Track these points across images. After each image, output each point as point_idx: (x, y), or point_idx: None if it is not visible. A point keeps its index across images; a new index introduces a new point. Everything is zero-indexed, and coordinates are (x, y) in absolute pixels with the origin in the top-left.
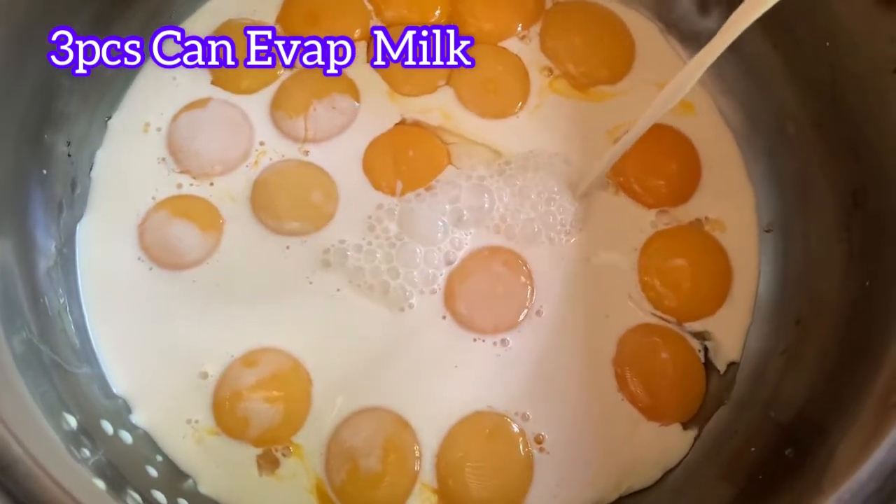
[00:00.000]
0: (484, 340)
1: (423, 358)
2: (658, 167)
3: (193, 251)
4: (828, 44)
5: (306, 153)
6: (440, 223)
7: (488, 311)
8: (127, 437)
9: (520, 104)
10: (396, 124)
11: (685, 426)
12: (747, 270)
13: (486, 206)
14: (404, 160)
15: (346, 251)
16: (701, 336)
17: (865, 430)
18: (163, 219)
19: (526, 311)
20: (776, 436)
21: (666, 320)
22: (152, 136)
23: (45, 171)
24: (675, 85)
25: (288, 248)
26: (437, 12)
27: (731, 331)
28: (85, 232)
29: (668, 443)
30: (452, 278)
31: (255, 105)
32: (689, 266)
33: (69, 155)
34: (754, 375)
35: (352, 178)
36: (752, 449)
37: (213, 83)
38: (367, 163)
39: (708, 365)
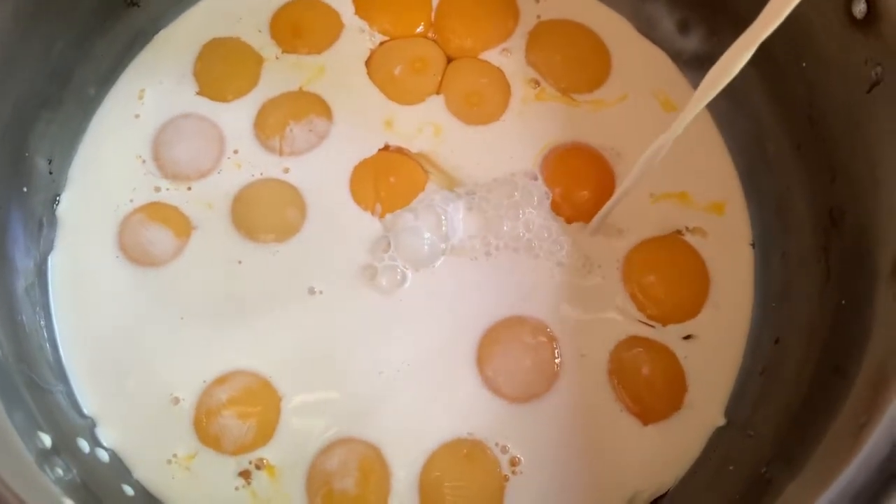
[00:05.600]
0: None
1: (404, 384)
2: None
3: (166, 255)
4: (804, 64)
5: (286, 170)
6: (425, 239)
7: (520, 382)
8: (104, 455)
9: (501, 115)
10: (380, 150)
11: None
12: (733, 275)
13: (461, 232)
14: (385, 185)
15: (322, 265)
16: (687, 338)
17: (837, 450)
18: (139, 222)
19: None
20: (753, 455)
21: (651, 325)
22: (132, 140)
23: (25, 189)
24: (688, 111)
25: (263, 258)
26: (420, 28)
27: (720, 333)
28: (61, 240)
29: (666, 459)
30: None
31: (238, 114)
32: (667, 273)
33: (50, 172)
34: (734, 395)
35: (330, 195)
36: (731, 468)
37: (198, 94)
38: (352, 185)
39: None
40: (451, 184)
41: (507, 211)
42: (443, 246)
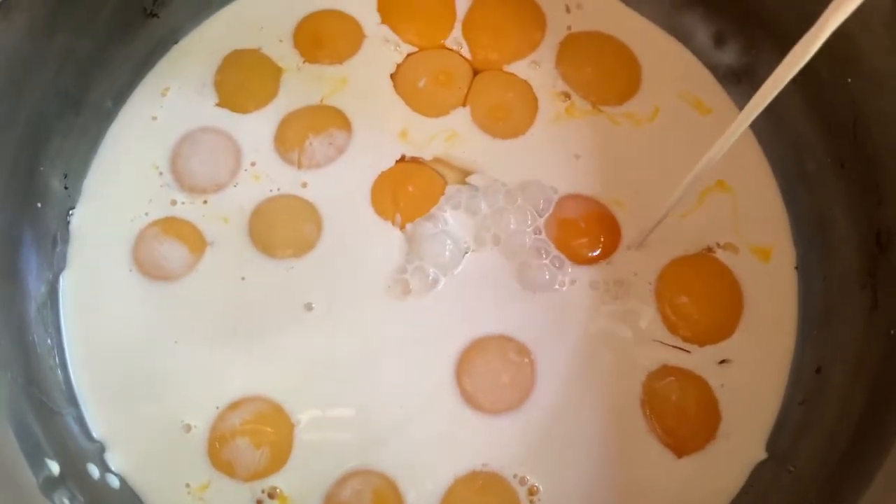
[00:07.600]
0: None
1: (419, 412)
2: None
3: (180, 270)
4: (850, 80)
5: (304, 184)
6: (447, 246)
7: (493, 395)
8: (114, 481)
9: (528, 129)
10: (398, 161)
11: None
12: (773, 296)
13: (483, 240)
14: (403, 195)
15: (340, 280)
16: (723, 363)
17: (891, 492)
18: (153, 236)
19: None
20: (795, 492)
21: (686, 350)
22: (149, 150)
23: (39, 205)
24: (733, 128)
25: (279, 274)
26: (446, 40)
27: (758, 357)
28: (74, 255)
29: (701, 494)
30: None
31: (258, 125)
32: (700, 291)
33: (66, 187)
34: (773, 427)
35: (348, 208)
36: None
37: (217, 105)
38: (373, 198)
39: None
40: (464, 176)
41: (528, 224)
42: (464, 247)
